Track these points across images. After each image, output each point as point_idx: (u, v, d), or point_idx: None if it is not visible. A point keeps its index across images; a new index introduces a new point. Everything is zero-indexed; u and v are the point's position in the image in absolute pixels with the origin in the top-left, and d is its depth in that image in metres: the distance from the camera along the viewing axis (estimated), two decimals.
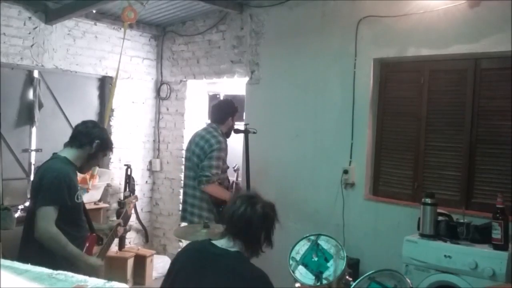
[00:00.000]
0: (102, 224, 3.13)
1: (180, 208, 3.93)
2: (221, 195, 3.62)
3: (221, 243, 1.97)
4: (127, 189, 4.86)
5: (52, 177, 2.43)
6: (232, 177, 4.29)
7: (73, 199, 2.50)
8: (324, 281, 2.49)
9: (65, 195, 2.43)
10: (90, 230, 2.71)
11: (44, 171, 2.51)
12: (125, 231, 3.08)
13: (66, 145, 2.65)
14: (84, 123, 2.72)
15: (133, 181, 5.05)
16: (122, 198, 4.95)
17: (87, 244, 2.62)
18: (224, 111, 3.80)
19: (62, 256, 2.36)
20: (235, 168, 4.30)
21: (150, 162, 5.60)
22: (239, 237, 1.94)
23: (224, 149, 3.66)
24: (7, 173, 4.22)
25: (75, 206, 2.51)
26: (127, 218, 3.09)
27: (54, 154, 2.63)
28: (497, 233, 2.77)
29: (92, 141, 2.61)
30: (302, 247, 2.67)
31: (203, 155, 3.58)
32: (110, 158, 5.14)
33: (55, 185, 2.41)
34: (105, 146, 2.69)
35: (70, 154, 2.60)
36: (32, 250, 2.41)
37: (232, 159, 4.29)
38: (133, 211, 4.25)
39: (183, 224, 3.85)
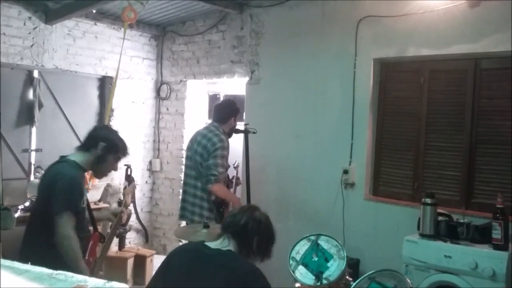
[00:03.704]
0: (104, 211, 3.14)
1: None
2: (226, 196, 3.67)
3: (215, 244, 1.99)
4: (127, 187, 4.85)
5: (66, 182, 2.42)
6: (232, 174, 4.29)
7: (80, 204, 2.51)
8: (324, 281, 2.49)
9: (78, 201, 2.45)
10: (94, 229, 2.72)
11: (56, 175, 2.49)
12: (125, 231, 3.09)
13: (76, 149, 2.65)
14: (94, 127, 2.75)
15: (133, 180, 5.04)
16: (122, 198, 4.94)
17: (91, 243, 2.63)
18: (227, 111, 3.80)
19: (70, 268, 2.34)
20: (235, 165, 4.31)
21: (150, 162, 5.60)
22: (234, 237, 1.97)
23: (227, 148, 3.66)
24: (7, 173, 4.22)
25: (81, 211, 2.52)
26: (127, 206, 3.07)
27: (62, 157, 2.60)
28: (497, 233, 2.77)
29: (97, 143, 2.58)
30: (302, 247, 2.66)
31: (207, 154, 3.58)
32: None
33: (70, 191, 2.42)
34: (114, 148, 2.63)
35: (78, 157, 2.58)
36: (34, 250, 2.41)
37: (232, 157, 4.30)
38: (133, 211, 4.27)
39: (183, 222, 3.85)
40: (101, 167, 2.65)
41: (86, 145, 2.61)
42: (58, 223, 2.36)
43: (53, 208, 2.38)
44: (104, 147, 2.58)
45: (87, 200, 2.66)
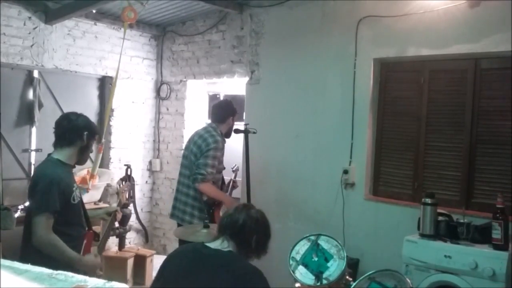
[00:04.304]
0: (98, 210, 3.13)
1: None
2: (215, 195, 3.64)
3: (215, 244, 2.00)
4: (121, 185, 4.84)
5: (44, 183, 2.41)
6: (230, 177, 4.28)
7: (69, 201, 2.49)
8: (324, 281, 2.49)
9: (56, 201, 2.41)
10: (88, 228, 2.71)
11: (38, 176, 2.50)
12: (125, 231, 3.08)
13: (56, 145, 2.58)
14: (66, 117, 2.62)
15: (133, 181, 5.04)
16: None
17: (85, 242, 2.62)
18: (225, 110, 3.82)
19: (60, 261, 2.36)
20: (234, 169, 4.30)
21: (150, 162, 5.60)
22: (233, 238, 1.99)
23: (221, 149, 3.67)
24: (7, 173, 4.22)
25: (71, 207, 2.51)
26: (122, 205, 3.05)
27: (49, 155, 2.60)
28: (497, 233, 2.77)
29: (82, 134, 2.56)
30: (302, 247, 2.66)
31: (200, 154, 3.59)
32: (110, 158, 5.14)
33: (48, 192, 2.40)
34: (94, 133, 2.64)
35: (61, 155, 2.55)
36: (32, 251, 2.41)
37: (232, 159, 4.29)
38: (133, 211, 4.26)
39: (173, 221, 3.85)
40: (86, 154, 2.68)
41: (69, 140, 2.55)
42: (34, 224, 2.36)
43: (31, 210, 2.40)
44: (87, 135, 2.58)
45: (80, 197, 2.64)
